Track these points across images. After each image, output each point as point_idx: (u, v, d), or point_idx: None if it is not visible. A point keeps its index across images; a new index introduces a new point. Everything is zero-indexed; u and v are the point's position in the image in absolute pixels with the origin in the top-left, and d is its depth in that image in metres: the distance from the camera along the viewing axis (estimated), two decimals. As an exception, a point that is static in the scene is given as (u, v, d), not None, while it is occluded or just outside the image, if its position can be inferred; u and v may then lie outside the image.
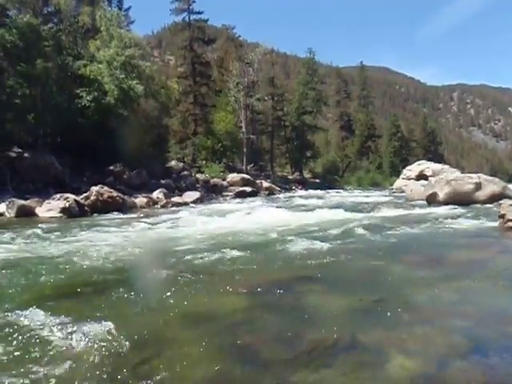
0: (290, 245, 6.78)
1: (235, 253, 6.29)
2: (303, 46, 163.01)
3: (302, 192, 32.03)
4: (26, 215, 13.65)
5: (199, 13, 39.83)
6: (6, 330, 3.30)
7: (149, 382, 2.60)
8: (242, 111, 38.74)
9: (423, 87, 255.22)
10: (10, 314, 3.61)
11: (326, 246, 6.71)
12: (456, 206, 13.25)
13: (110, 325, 3.37)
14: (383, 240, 7.42)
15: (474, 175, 15.46)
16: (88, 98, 22.08)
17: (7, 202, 14.35)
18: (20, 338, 3.15)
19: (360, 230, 8.33)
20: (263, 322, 3.63)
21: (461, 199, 14.21)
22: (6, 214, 14.00)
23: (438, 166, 28.25)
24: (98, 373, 2.70)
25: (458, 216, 10.66)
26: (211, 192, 25.64)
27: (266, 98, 44.96)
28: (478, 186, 14.60)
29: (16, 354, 2.92)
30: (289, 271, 5.32)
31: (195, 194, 21.36)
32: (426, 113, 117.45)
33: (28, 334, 3.20)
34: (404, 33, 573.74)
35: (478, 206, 13.73)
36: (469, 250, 6.61)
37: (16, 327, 3.34)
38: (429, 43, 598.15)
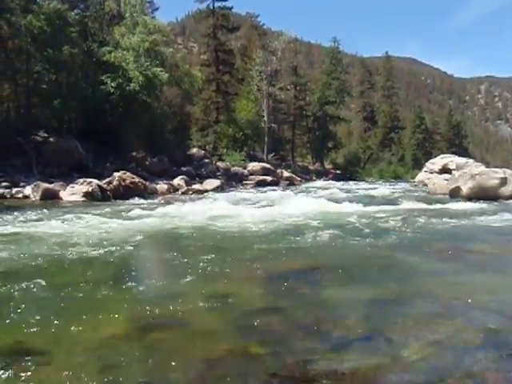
0: (310, 235, 6.79)
1: (256, 242, 6.33)
2: (327, 35, 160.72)
3: (324, 182, 31.84)
4: (51, 198, 13.96)
5: (224, 0, 39.69)
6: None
7: (171, 355, 2.65)
8: (264, 100, 38.60)
9: (450, 79, 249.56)
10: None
11: (347, 237, 6.70)
12: (480, 201, 13.00)
13: (133, 306, 3.45)
14: (405, 233, 7.36)
15: (499, 170, 15.13)
16: (112, 84, 22.28)
17: (33, 185, 14.69)
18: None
19: (381, 223, 8.27)
20: (282, 308, 3.66)
21: (485, 194, 13.93)
22: (32, 196, 14.34)
23: (462, 160, 27.60)
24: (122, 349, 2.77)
25: (482, 211, 10.48)
26: (231, 180, 25.72)
27: (288, 88, 44.68)
28: (504, 182, 14.28)
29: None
30: (308, 261, 5.34)
31: (216, 182, 21.46)
32: (451, 105, 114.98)
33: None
34: (432, 23, 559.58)
35: (503, 201, 13.44)
36: (492, 246, 6.51)
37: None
38: (457, 34, 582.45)
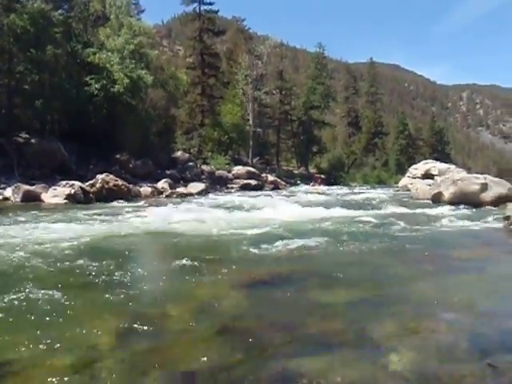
0: (293, 240, 6.78)
1: (239, 245, 6.31)
2: (313, 40, 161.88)
3: (309, 187, 31.97)
4: (32, 200, 13.75)
5: (210, 3, 39.63)
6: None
7: (152, 364, 2.62)
8: (249, 104, 38.65)
9: (433, 86, 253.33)
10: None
11: (329, 241, 6.71)
12: (461, 206, 13.19)
13: (114, 311, 3.40)
14: (387, 237, 7.41)
15: (480, 176, 15.36)
16: (96, 85, 22.08)
17: (13, 187, 14.45)
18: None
19: (364, 227, 8.33)
20: (265, 312, 3.65)
21: (466, 199, 14.13)
22: (12, 198, 14.11)
23: (444, 166, 28.02)
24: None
25: (463, 216, 10.63)
26: (216, 184, 25.66)
27: (273, 92, 44.85)
28: (485, 187, 14.49)
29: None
30: (291, 265, 5.34)
31: (200, 185, 21.39)
32: (434, 112, 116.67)
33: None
34: (415, 30, 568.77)
35: (484, 207, 13.65)
36: (472, 250, 6.60)
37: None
38: (440, 41, 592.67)
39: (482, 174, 16.81)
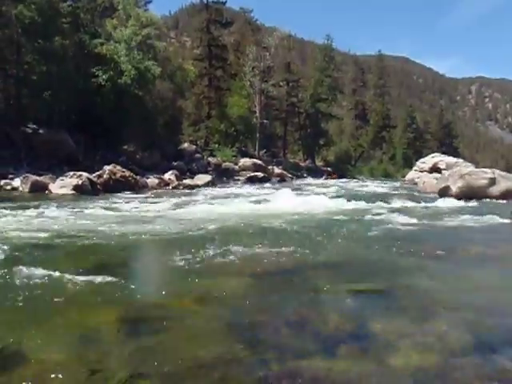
0: (299, 232, 6.79)
1: (246, 238, 6.32)
2: (321, 32, 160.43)
3: (316, 180, 31.91)
4: (40, 191, 13.85)
5: (217, -5, 39.40)
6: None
7: (159, 355, 2.65)
8: (256, 96, 38.51)
9: (441, 79, 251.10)
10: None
11: (335, 235, 6.71)
12: (468, 201, 13.12)
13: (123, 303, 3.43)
14: (393, 231, 7.40)
15: (488, 170, 15.27)
16: (104, 76, 22.10)
17: (21, 177, 14.57)
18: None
19: (370, 220, 8.31)
20: (268, 306, 3.66)
21: (474, 194, 14.06)
22: (20, 188, 14.23)
23: (452, 160, 27.83)
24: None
25: (471, 210, 10.56)
26: (222, 176, 25.69)
27: (281, 84, 44.60)
28: (492, 182, 14.42)
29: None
30: (297, 257, 5.33)
31: (206, 177, 21.42)
32: (442, 105, 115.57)
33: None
34: (424, 22, 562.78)
35: (491, 201, 13.58)
36: (479, 245, 6.56)
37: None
38: (450, 34, 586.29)
39: (490, 168, 16.70)
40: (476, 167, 20.88)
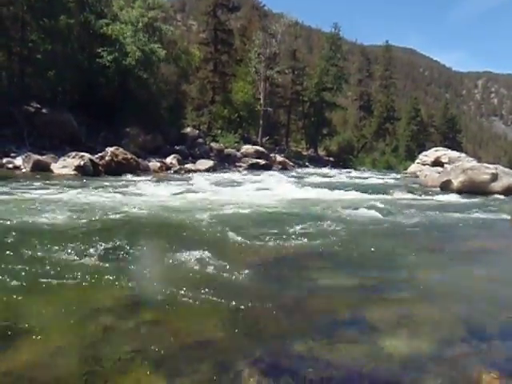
0: (299, 222, 6.79)
1: (246, 225, 6.34)
2: (328, 21, 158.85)
3: (317, 169, 31.87)
4: (41, 170, 13.85)
5: (226, -22, 38.96)
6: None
7: (157, 339, 2.68)
8: (261, 83, 38.29)
9: (448, 72, 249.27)
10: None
11: (334, 225, 6.71)
12: (470, 196, 13.11)
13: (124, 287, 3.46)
14: (393, 223, 7.41)
15: (490, 166, 15.24)
16: (109, 57, 21.95)
17: (23, 156, 14.57)
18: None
19: (371, 212, 8.30)
20: (267, 292, 3.69)
21: (475, 189, 14.05)
22: (22, 167, 14.23)
23: (454, 154, 27.83)
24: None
25: (472, 205, 10.58)
26: (224, 162, 25.65)
27: (286, 71, 44.27)
28: (495, 177, 14.40)
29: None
30: (296, 247, 5.34)
31: (208, 163, 21.41)
32: (448, 98, 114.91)
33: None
34: (432, 15, 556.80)
35: (493, 196, 13.57)
36: (479, 240, 6.58)
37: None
38: (457, 27, 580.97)
39: (492, 163, 16.66)
40: (478, 162, 20.86)
